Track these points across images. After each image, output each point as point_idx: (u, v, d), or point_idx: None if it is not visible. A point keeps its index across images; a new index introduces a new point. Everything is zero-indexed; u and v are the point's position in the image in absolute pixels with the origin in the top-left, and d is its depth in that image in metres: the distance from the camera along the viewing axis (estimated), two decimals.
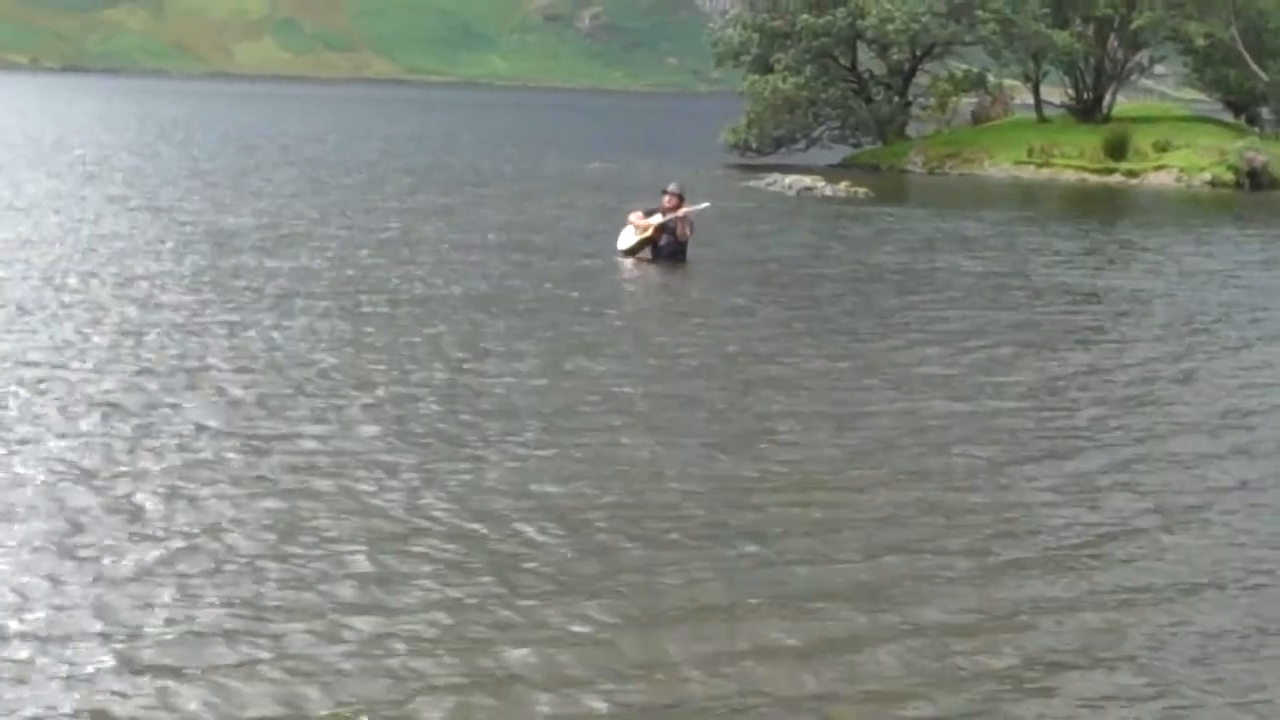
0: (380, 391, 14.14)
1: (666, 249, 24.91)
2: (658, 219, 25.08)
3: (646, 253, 25.05)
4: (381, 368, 15.19)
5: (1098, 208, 41.99)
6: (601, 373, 15.44)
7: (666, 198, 25.27)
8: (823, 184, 43.08)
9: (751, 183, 44.82)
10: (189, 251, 23.46)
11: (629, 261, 24.83)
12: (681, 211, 25.04)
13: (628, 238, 25.39)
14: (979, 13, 54.73)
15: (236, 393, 13.81)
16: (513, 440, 12.50)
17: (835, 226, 33.25)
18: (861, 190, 42.29)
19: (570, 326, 18.27)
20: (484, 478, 11.38)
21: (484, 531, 10.11)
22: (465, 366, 15.46)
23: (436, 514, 10.42)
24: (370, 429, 12.66)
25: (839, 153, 57.70)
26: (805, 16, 55.79)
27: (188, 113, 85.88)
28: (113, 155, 45.70)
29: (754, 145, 56.48)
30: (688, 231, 25.05)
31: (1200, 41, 56.80)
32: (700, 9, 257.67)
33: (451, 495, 10.88)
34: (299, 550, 9.61)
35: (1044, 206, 42.28)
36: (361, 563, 9.44)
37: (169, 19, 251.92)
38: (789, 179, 43.92)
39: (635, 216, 25.56)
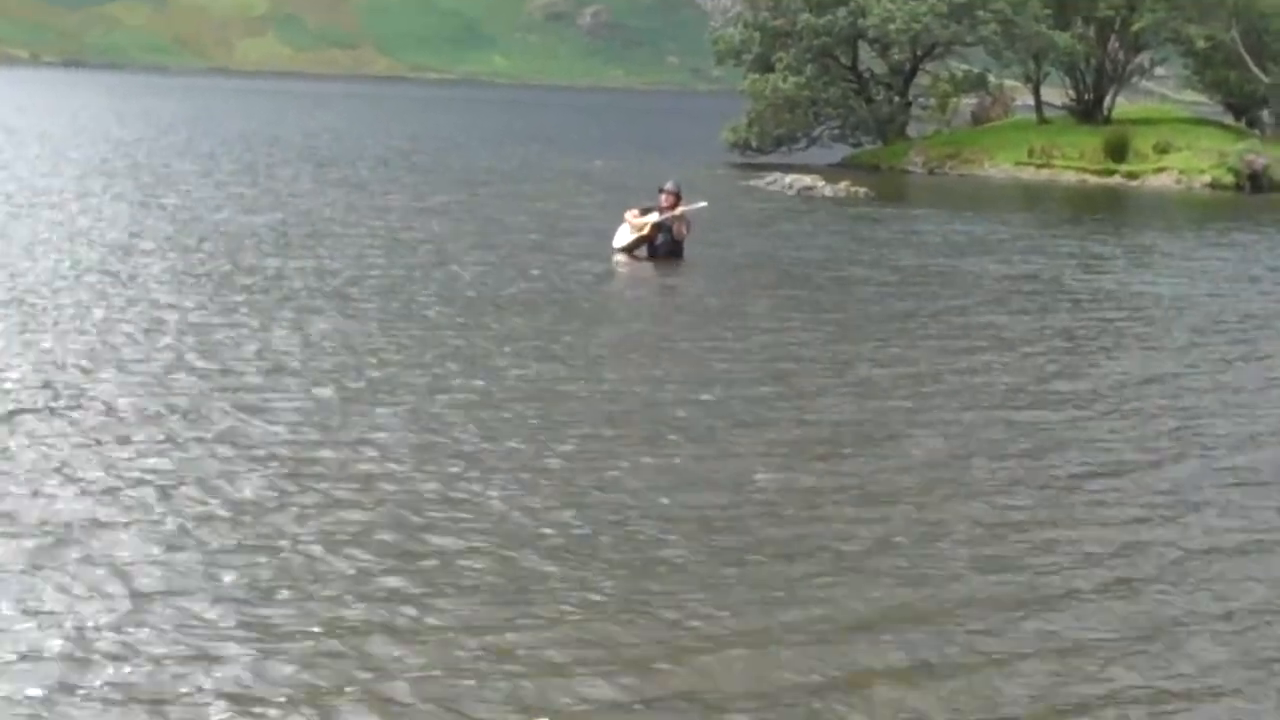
0: (403, 395, 13.92)
1: (663, 248, 24.86)
2: (654, 217, 25.02)
3: (642, 250, 25.00)
4: (393, 370, 15.01)
5: (1102, 209, 41.90)
6: (631, 378, 15.27)
7: (664, 196, 25.19)
8: (823, 183, 43.04)
9: (752, 182, 44.78)
10: (199, 251, 23.29)
11: (625, 259, 24.77)
12: (679, 210, 24.98)
13: (624, 236, 25.32)
14: (980, 13, 54.70)
15: (250, 399, 13.63)
16: (559, 449, 12.20)
17: (835, 226, 33.22)
18: (862, 190, 42.26)
19: (593, 330, 18.17)
20: (535, 489, 11.13)
21: (556, 544, 9.88)
22: (495, 368, 15.29)
23: (490, 531, 10.11)
24: (394, 436, 12.37)
25: (839, 152, 57.71)
26: (806, 16, 55.81)
27: (192, 109, 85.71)
28: (125, 152, 45.64)
29: (754, 144, 56.50)
30: (684, 230, 25.00)
31: (1201, 44, 56.79)
32: (701, 7, 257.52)
33: (493, 510, 10.57)
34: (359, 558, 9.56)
35: (1047, 207, 42.24)
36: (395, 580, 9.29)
37: (170, 14, 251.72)
38: (789, 178, 43.88)
39: (632, 214, 25.47)
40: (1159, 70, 67.63)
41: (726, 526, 10.45)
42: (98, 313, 17.31)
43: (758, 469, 11.97)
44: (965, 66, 61.19)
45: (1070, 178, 50.88)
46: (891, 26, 54.62)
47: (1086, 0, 56.20)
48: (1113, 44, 57.41)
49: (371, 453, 11.84)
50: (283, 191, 34.36)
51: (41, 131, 53.95)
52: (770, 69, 56.59)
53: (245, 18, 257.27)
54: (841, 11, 55.69)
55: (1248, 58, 55.28)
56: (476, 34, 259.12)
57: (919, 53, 57.85)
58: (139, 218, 27.27)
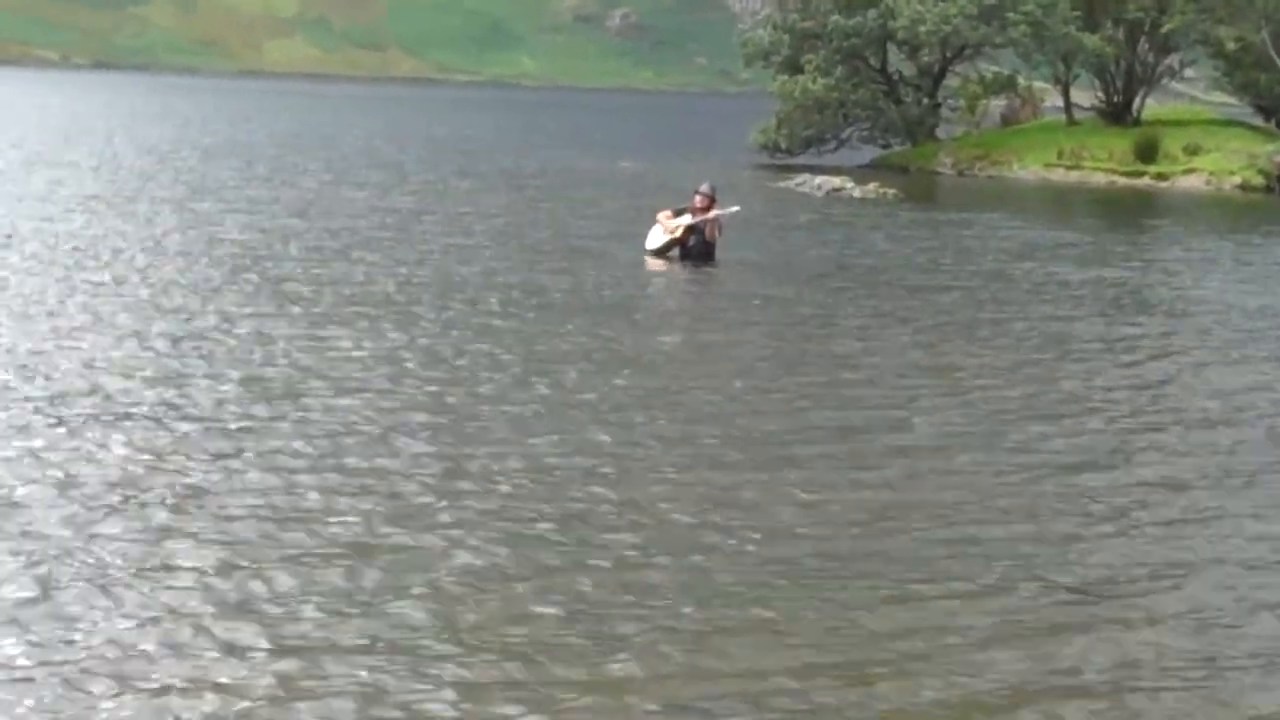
0: (450, 399, 13.91)
1: (695, 250, 24.91)
2: (687, 219, 25.10)
3: (675, 252, 25.10)
4: (441, 374, 15.00)
5: (1136, 211, 41.84)
6: (685, 387, 15.08)
7: (698, 198, 25.28)
8: (851, 185, 43.09)
9: (781, 183, 44.87)
10: (236, 255, 23.55)
11: (658, 262, 24.87)
12: (712, 214, 25.05)
13: (656, 238, 25.41)
14: (1009, 15, 54.68)
15: (286, 407, 13.78)
16: (620, 462, 12.05)
17: (863, 228, 33.25)
18: (891, 191, 42.27)
19: (649, 337, 18.05)
20: (602, 500, 11.04)
21: (632, 563, 9.79)
22: (540, 375, 15.11)
23: (558, 548, 9.97)
24: (442, 450, 12.16)
25: (868, 154, 57.74)
26: (836, 17, 55.88)
27: (226, 110, 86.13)
28: (172, 153, 45.91)
29: (783, 146, 56.58)
30: (716, 233, 25.07)
31: (1230, 45, 56.75)
32: (730, 9, 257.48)
33: (561, 521, 10.52)
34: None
35: (1078, 209, 42.20)
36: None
37: (199, 16, 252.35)
38: (818, 179, 43.95)
39: (664, 216, 25.56)
40: (1188, 72, 67.45)
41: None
42: (169, 321, 17.42)
43: (809, 481, 11.91)
44: (994, 68, 61.22)
45: (1100, 179, 50.84)
46: (921, 28, 54.65)
47: (1116, 2, 56.13)
48: (1142, 46, 57.30)
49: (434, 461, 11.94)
50: (327, 195, 34.54)
51: (97, 130, 54.24)
52: (799, 70, 56.65)
53: (273, 19, 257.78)
54: (871, 13, 55.75)
55: (1277, 59, 55.14)
56: (504, 35, 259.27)
57: (948, 54, 57.88)
58: (202, 223, 27.51)
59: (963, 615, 9.07)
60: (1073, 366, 17.42)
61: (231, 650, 8.02)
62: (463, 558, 9.60)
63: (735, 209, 25.92)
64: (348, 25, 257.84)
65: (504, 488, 11.14)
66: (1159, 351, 18.76)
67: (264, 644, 8.14)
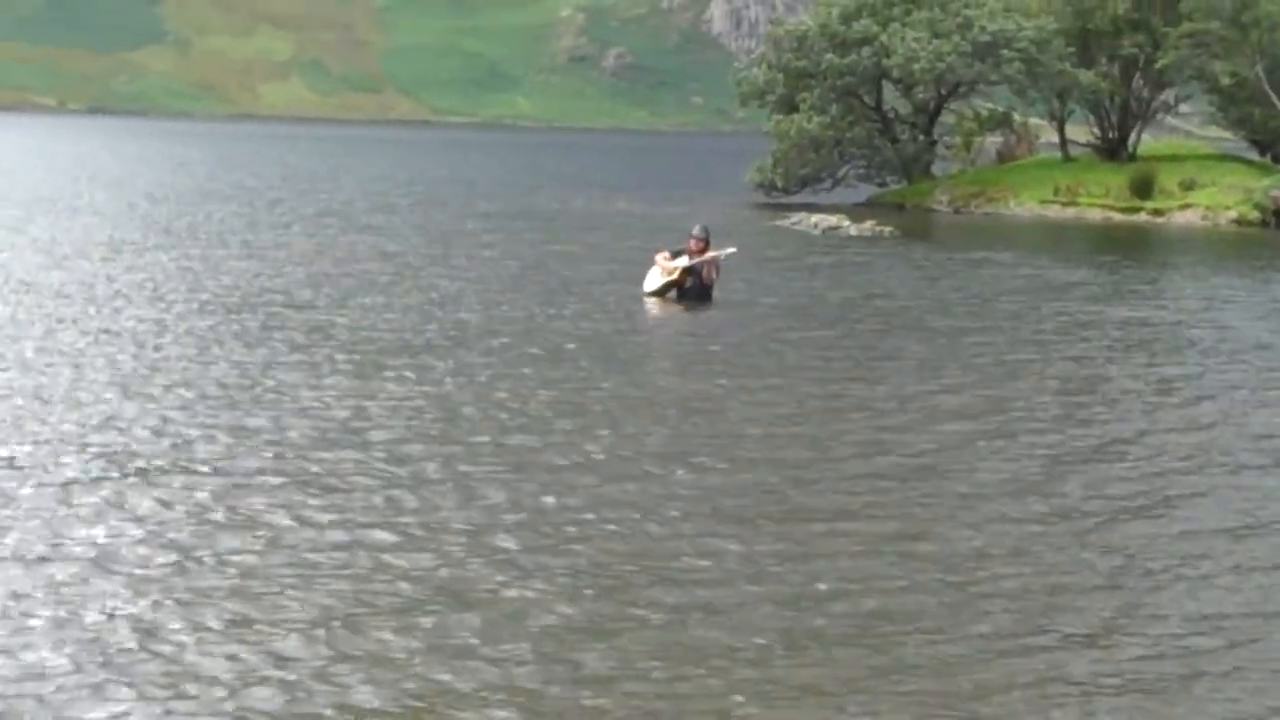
0: (458, 456, 13.65)
1: (692, 291, 25.02)
2: (684, 261, 25.20)
3: (672, 294, 25.15)
4: (441, 424, 14.91)
5: (1133, 247, 41.80)
6: (700, 437, 14.77)
7: (693, 241, 25.41)
8: (848, 223, 43.16)
9: (777, 222, 44.94)
10: (251, 305, 23.57)
11: (656, 302, 24.90)
12: (708, 255, 25.17)
13: (654, 279, 25.49)
14: (1004, 52, 54.89)
15: (293, 458, 13.80)
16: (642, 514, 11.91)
17: (862, 266, 33.22)
18: (887, 229, 42.33)
19: (658, 385, 17.81)
20: (604, 542, 11.06)
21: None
22: (556, 426, 14.96)
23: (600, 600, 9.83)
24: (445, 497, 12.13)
25: (864, 192, 57.85)
26: (830, 56, 56.02)
27: (226, 155, 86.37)
28: (179, 198, 46.02)
29: (779, 184, 56.66)
30: (713, 275, 25.20)
31: (1225, 80, 56.85)
32: (725, 48, 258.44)
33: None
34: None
35: (1078, 245, 42.13)
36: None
37: (195, 60, 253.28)
38: (814, 218, 44.04)
39: (662, 257, 25.65)
40: (1183, 107, 67.73)
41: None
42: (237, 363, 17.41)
43: (811, 515, 11.94)
44: (989, 105, 61.39)
45: (1096, 215, 50.90)
46: (915, 66, 54.83)
47: (1110, 38, 56.35)
48: (1137, 81, 57.46)
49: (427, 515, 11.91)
50: (341, 244, 34.61)
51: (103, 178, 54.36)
52: (795, 109, 56.83)
53: (269, 63, 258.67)
54: (865, 51, 55.91)
55: (1272, 94, 55.28)
56: (500, 77, 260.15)
57: (943, 92, 58.05)
58: (219, 265, 27.55)
59: (1070, 665, 8.94)
60: (1108, 409, 17.20)
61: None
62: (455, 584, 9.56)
63: (731, 250, 25.96)
64: (343, 68, 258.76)
65: (541, 535, 11.08)
66: (1198, 393, 18.44)
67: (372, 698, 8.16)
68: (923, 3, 57.09)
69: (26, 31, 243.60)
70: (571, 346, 20.02)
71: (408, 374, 17.34)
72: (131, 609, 9.23)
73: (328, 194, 51.76)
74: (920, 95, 58.31)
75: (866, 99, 58.51)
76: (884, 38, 55.74)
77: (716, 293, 25.29)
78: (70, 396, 15.27)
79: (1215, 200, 49.91)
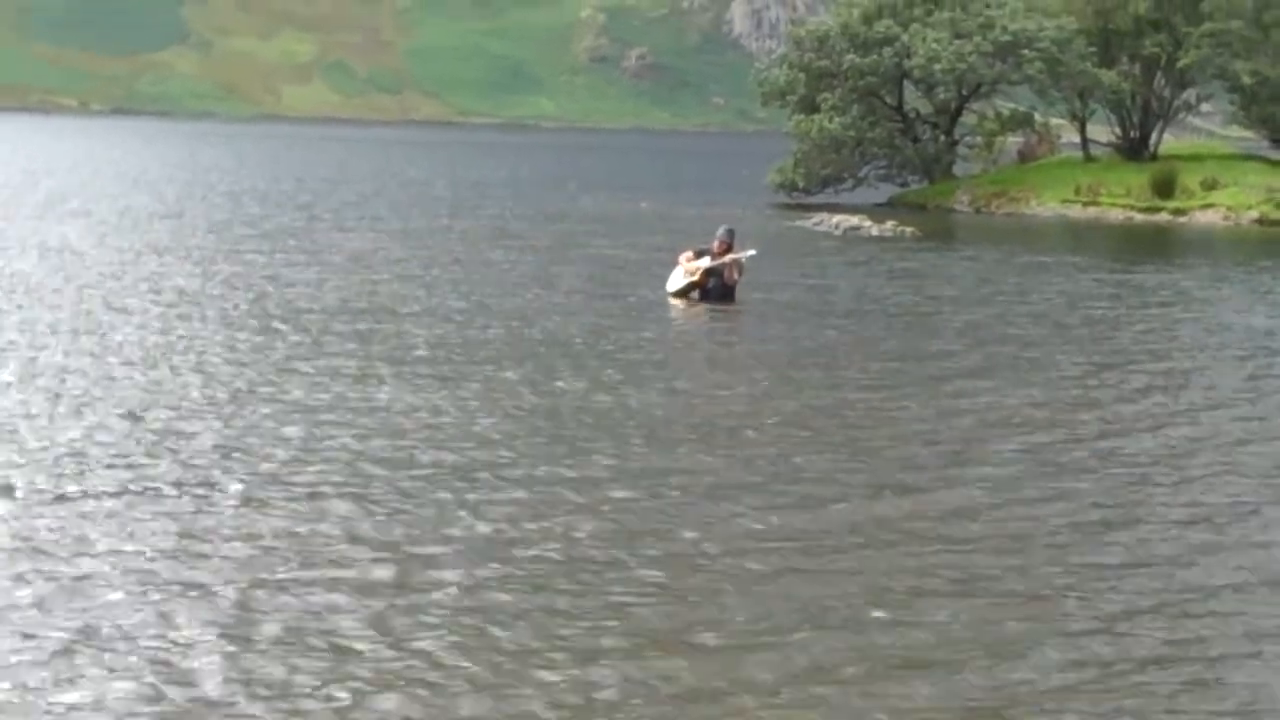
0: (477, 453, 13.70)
1: (714, 292, 25.26)
2: (706, 262, 25.41)
3: (695, 294, 25.37)
4: (463, 423, 14.98)
5: (1163, 246, 41.68)
6: (727, 446, 14.47)
7: (717, 242, 25.63)
8: (869, 224, 43.23)
9: (798, 222, 45.03)
10: (288, 307, 23.79)
11: (679, 303, 25.12)
12: (729, 257, 25.37)
13: (677, 279, 25.72)
14: (1025, 52, 54.95)
15: (332, 468, 13.93)
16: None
17: (882, 266, 33.35)
18: (908, 230, 42.37)
19: (683, 392, 17.44)
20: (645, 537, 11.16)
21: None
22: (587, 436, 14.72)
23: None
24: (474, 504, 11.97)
25: (885, 192, 57.81)
26: (851, 56, 56.09)
27: (255, 155, 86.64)
28: (214, 200, 46.29)
29: (800, 185, 56.72)
30: (735, 275, 25.42)
31: (1247, 79, 56.82)
32: (746, 49, 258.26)
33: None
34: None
35: (1102, 245, 41.94)
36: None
37: (218, 62, 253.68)
38: (835, 218, 44.11)
39: (685, 257, 25.90)
40: (1205, 106, 67.61)
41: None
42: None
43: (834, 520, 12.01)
44: (1011, 105, 61.42)
45: (1117, 215, 50.90)
46: (937, 66, 54.89)
47: (1132, 38, 56.36)
48: (1158, 81, 57.50)
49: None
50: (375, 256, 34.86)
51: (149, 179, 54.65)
52: (816, 109, 56.88)
53: (292, 64, 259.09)
54: (886, 51, 55.96)
55: None
56: (523, 78, 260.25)
57: (964, 92, 58.10)
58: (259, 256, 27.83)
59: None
60: (1201, 417, 16.94)
61: None
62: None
63: (752, 252, 26.13)
64: (367, 69, 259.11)
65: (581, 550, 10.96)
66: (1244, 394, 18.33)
67: None
68: (944, 3, 57.13)
69: (51, 33, 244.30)
70: (599, 351, 20.07)
71: (430, 384, 17.40)
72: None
73: (359, 197, 52.01)
74: (941, 95, 58.35)
75: (888, 99, 58.57)
76: (905, 38, 55.80)
77: (740, 292, 25.50)
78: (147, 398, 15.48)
79: (1237, 200, 49.88)
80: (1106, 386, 18.72)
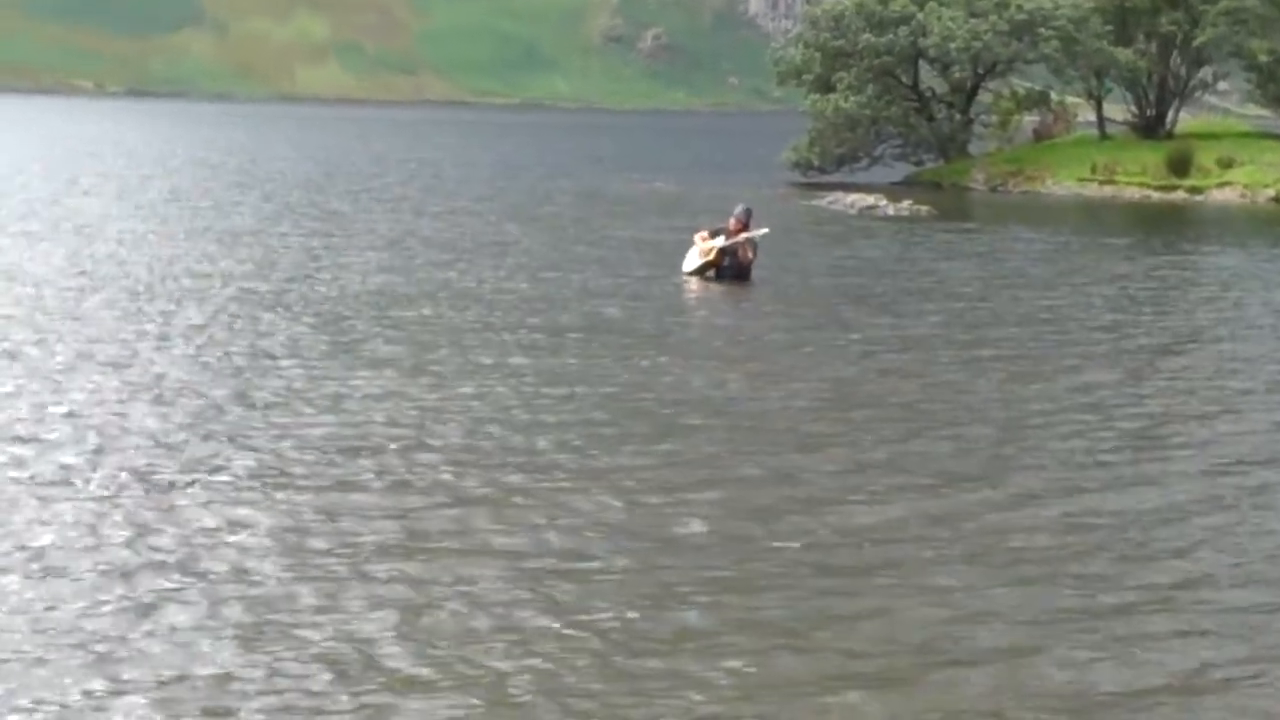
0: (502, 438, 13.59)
1: (729, 271, 25.34)
2: (721, 241, 25.46)
3: (711, 273, 25.43)
4: (488, 405, 14.93)
5: (1183, 226, 41.43)
6: (747, 438, 14.09)
7: (733, 220, 25.68)
8: (884, 202, 43.20)
9: (814, 201, 45.03)
10: (271, 275, 23.90)
11: (694, 282, 25.17)
12: (742, 236, 25.41)
13: (692, 259, 25.79)
14: (1041, 30, 54.84)
15: (361, 461, 14.01)
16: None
17: (898, 245, 33.31)
18: (924, 208, 42.31)
19: (705, 374, 17.13)
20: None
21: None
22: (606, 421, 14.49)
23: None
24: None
25: (900, 170, 57.77)
26: (867, 35, 56.00)
27: (273, 137, 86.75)
28: (247, 182, 46.42)
29: (816, 164, 56.67)
30: (750, 254, 25.46)
31: (1264, 58, 56.70)
32: (761, 28, 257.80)
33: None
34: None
35: (1121, 225, 41.73)
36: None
37: (233, 43, 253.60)
38: (851, 197, 44.10)
39: (701, 236, 25.97)
40: (1221, 85, 67.47)
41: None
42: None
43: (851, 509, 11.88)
44: (1026, 84, 61.31)
45: (1133, 194, 50.80)
46: (952, 45, 54.81)
47: (1148, 16, 56.19)
48: (1175, 59, 57.35)
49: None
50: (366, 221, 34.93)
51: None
52: (831, 89, 56.78)
53: (306, 45, 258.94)
54: (902, 30, 55.86)
55: None
56: (537, 58, 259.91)
57: (980, 70, 57.99)
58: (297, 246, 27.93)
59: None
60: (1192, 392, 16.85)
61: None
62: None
63: (765, 230, 26.15)
64: (380, 50, 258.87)
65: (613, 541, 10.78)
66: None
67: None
68: None
69: (65, 15, 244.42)
70: (619, 330, 20.15)
71: (454, 371, 17.48)
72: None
73: (378, 179, 52.07)
74: (957, 74, 58.20)
75: (903, 78, 58.47)
76: (921, 16, 55.68)
77: (756, 271, 25.56)
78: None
79: (1254, 178, 49.76)
80: (1175, 370, 18.33)
